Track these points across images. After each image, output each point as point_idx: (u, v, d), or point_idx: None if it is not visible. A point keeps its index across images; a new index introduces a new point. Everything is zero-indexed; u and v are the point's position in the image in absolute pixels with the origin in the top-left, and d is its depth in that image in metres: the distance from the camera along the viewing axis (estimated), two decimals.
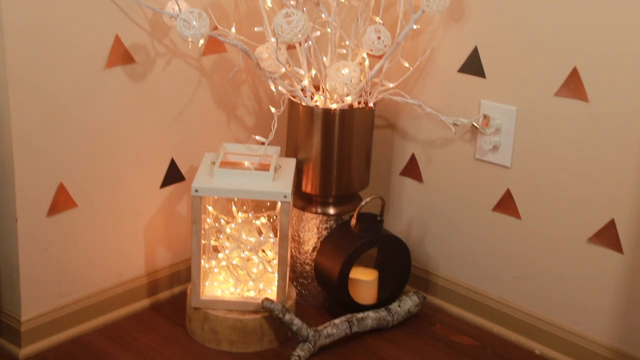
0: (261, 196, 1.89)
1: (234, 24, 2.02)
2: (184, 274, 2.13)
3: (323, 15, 1.94)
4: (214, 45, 2.02)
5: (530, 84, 1.88)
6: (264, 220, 2.01)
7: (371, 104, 2.01)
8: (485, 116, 1.96)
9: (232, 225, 2.00)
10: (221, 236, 2.00)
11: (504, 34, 1.90)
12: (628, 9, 1.69)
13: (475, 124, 1.98)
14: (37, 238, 1.81)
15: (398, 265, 2.08)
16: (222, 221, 2.01)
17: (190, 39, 1.77)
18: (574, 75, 1.79)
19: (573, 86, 1.80)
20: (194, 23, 1.75)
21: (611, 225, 1.80)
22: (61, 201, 1.83)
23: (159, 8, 1.86)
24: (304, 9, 1.91)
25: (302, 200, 2.09)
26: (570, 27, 1.78)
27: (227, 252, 1.99)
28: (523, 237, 1.97)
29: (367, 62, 1.98)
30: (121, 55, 1.86)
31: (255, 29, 2.00)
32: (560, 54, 1.81)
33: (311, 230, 2.06)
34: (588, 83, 1.78)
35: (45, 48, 1.72)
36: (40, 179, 1.79)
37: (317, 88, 2.03)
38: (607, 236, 1.81)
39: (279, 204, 1.89)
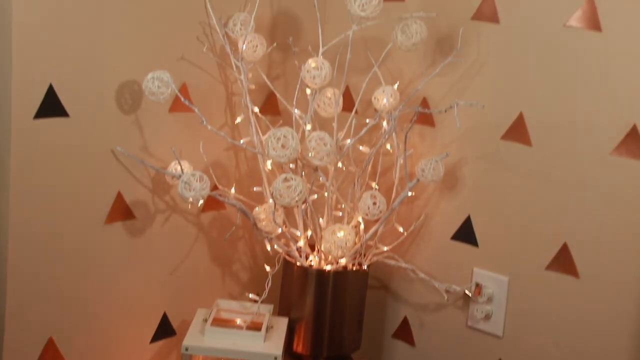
0: (252, 357, 1.88)
1: (234, 184, 2.07)
2: None
3: (321, 179, 2.00)
4: (213, 202, 2.07)
5: (521, 256, 1.91)
6: None
7: (365, 267, 2.03)
8: (477, 284, 1.98)
9: None
10: None
11: (497, 206, 1.95)
12: (617, 195, 1.75)
13: (467, 292, 2.00)
14: None
15: None
16: None
17: (190, 200, 1.81)
18: (565, 251, 1.83)
19: (564, 261, 1.83)
20: (195, 185, 1.80)
21: None
22: (49, 356, 1.82)
23: (162, 167, 1.91)
24: (303, 173, 1.97)
25: (293, 359, 2.07)
26: (560, 205, 1.84)
27: None
28: None
29: (362, 226, 2.02)
30: (122, 212, 1.90)
31: (255, 189, 2.05)
32: (550, 230, 1.85)
33: None
34: (579, 259, 1.81)
35: (47, 203, 1.76)
36: (30, 333, 1.78)
37: (312, 247, 2.06)
38: None
39: None
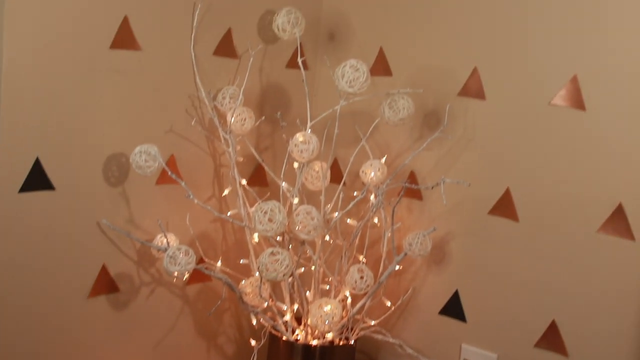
0: None
1: (221, 256, 2.06)
2: None
3: (308, 252, 1.98)
4: (199, 275, 2.04)
5: (510, 333, 1.89)
6: None
7: (352, 342, 2.00)
8: None
9: None
10: None
11: (485, 281, 1.94)
12: (605, 272, 1.75)
13: None
14: None
15: None
16: None
17: (176, 274, 1.80)
18: (553, 328, 1.81)
19: (552, 339, 1.82)
20: (181, 259, 1.79)
21: None
22: None
23: (149, 239, 1.90)
24: (290, 246, 1.96)
25: None
26: (548, 281, 1.83)
27: None
28: None
29: (349, 300, 2.00)
30: (106, 285, 1.88)
31: (241, 261, 2.03)
32: (539, 306, 1.85)
33: None
34: (567, 337, 1.80)
35: (30, 276, 1.74)
36: None
37: (298, 320, 2.03)
38: None
39: None
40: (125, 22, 1.78)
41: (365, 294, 1.98)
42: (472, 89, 1.91)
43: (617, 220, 1.71)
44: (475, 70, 1.90)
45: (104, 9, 1.74)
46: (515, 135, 1.86)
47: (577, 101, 1.74)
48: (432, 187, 1.82)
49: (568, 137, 1.77)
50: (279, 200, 1.86)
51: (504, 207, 1.89)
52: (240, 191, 1.97)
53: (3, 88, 1.63)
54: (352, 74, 1.79)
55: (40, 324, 1.77)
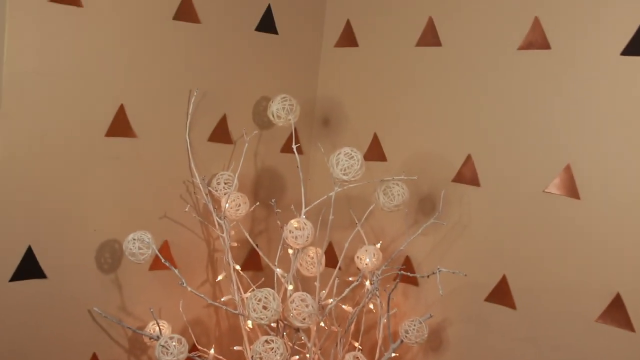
0: None
1: (214, 343, 2.03)
2: None
3: (303, 339, 1.95)
4: None
5: None
6: None
7: None
8: None
9: None
10: None
11: None
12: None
13: None
14: None
15: None
16: None
17: None
18: None
19: None
20: (173, 349, 1.75)
21: None
22: None
23: (141, 326, 1.87)
24: (284, 333, 1.93)
25: None
26: None
27: None
28: None
29: None
30: None
31: (235, 348, 2.00)
32: None
33: None
34: None
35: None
36: None
37: None
38: None
39: None
40: (121, 110, 1.80)
41: None
42: (467, 176, 1.92)
43: (616, 311, 1.69)
44: (469, 157, 1.91)
45: (100, 97, 1.76)
46: (510, 222, 1.85)
47: (571, 190, 1.74)
48: (428, 276, 1.81)
49: (563, 225, 1.76)
50: (273, 286, 1.85)
51: (501, 294, 1.87)
52: (234, 276, 1.95)
53: None
54: (346, 161, 1.80)
55: None
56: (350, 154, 1.80)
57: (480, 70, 1.88)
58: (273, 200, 1.95)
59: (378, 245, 1.97)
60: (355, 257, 1.95)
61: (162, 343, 1.76)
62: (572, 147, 1.74)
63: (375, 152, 2.08)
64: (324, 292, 1.97)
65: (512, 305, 1.85)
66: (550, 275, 1.79)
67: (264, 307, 1.76)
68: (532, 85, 1.80)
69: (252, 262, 2.12)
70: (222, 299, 1.99)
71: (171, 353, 1.75)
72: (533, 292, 1.82)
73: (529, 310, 1.83)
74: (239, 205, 1.95)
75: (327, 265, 2.03)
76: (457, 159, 1.93)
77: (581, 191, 1.73)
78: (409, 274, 1.84)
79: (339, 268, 2.00)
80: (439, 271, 1.73)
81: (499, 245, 1.87)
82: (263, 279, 2.08)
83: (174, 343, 1.76)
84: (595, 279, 1.72)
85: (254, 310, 1.76)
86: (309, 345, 1.95)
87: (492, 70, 1.86)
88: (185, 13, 1.88)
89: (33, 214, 1.69)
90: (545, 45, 1.76)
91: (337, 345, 1.97)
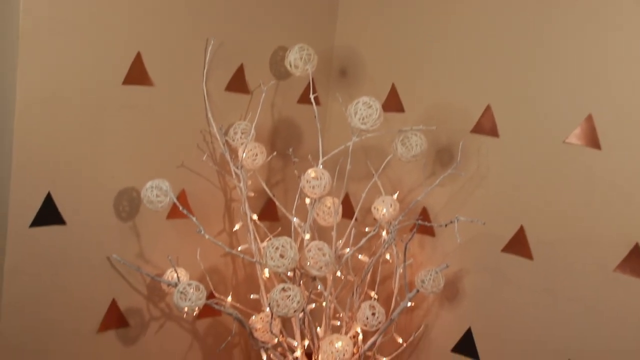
0: None
1: (231, 291, 2.04)
2: None
3: (319, 288, 1.97)
4: (209, 309, 2.03)
5: None
6: None
7: None
8: None
9: None
10: None
11: (498, 318, 1.92)
12: (620, 312, 1.72)
13: None
14: None
15: None
16: None
17: (186, 310, 1.78)
18: None
19: None
20: (191, 295, 1.77)
21: None
22: None
23: (159, 274, 1.89)
24: (301, 282, 1.94)
25: None
26: (563, 320, 1.81)
27: None
28: None
29: (360, 336, 1.98)
30: (116, 319, 1.87)
31: (252, 296, 2.02)
32: (553, 346, 1.82)
33: None
34: None
35: (39, 311, 1.73)
36: None
37: (309, 357, 2.00)
38: None
39: None
40: (138, 58, 1.79)
41: (376, 330, 1.95)
42: (486, 127, 1.90)
43: (635, 260, 1.68)
44: (488, 108, 1.89)
45: (117, 45, 1.75)
46: (529, 173, 1.84)
47: (592, 140, 1.72)
48: (446, 225, 1.81)
49: (583, 175, 1.75)
50: (290, 236, 1.85)
51: (518, 245, 1.87)
52: (251, 226, 1.96)
53: (16, 124, 1.63)
54: (365, 111, 1.79)
55: (50, 357, 1.75)
56: (369, 103, 1.79)
57: (500, 19, 1.85)
58: (290, 150, 1.95)
59: (395, 196, 1.97)
60: (372, 208, 1.95)
61: (181, 289, 1.78)
62: (594, 96, 1.73)
63: (393, 103, 2.06)
64: (341, 242, 1.97)
65: (529, 256, 1.86)
66: (568, 225, 1.79)
67: (281, 256, 1.77)
68: (554, 33, 1.77)
69: (268, 213, 2.13)
70: (239, 248, 2.00)
71: (189, 299, 1.77)
72: (550, 243, 1.82)
73: (546, 260, 1.83)
74: (256, 155, 1.95)
75: (343, 216, 2.03)
76: (476, 110, 1.91)
77: (602, 141, 1.72)
78: (426, 223, 1.84)
79: (355, 219, 2.01)
80: (457, 220, 1.73)
81: (517, 196, 1.87)
82: (280, 228, 2.09)
83: (192, 290, 1.78)
84: (614, 229, 1.72)
85: (271, 258, 1.77)
86: (326, 294, 1.96)
87: (513, 18, 1.83)
88: None
89: (52, 161, 1.70)
90: None
91: (353, 294, 1.98)
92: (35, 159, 1.67)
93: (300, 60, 1.88)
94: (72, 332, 1.79)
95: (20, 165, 1.65)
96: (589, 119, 1.73)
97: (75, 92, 1.70)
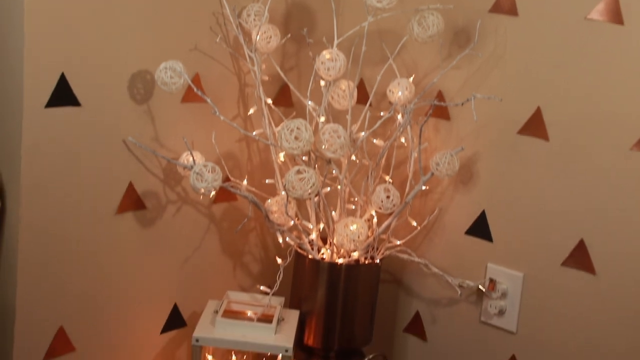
0: (262, 349, 1.87)
1: (246, 175, 2.06)
2: None
3: (334, 172, 1.98)
4: (225, 194, 2.05)
5: (537, 252, 1.89)
6: None
7: (377, 261, 2.01)
8: (491, 280, 1.96)
9: None
10: None
11: (513, 201, 1.93)
12: (637, 191, 1.72)
13: (481, 287, 1.98)
14: None
15: None
16: None
17: (202, 191, 1.80)
18: (581, 247, 1.80)
19: (580, 258, 1.81)
20: (207, 176, 1.78)
21: None
22: (59, 345, 1.81)
23: (174, 158, 1.90)
24: (316, 165, 1.95)
25: (304, 352, 2.05)
26: (578, 201, 1.81)
27: None
28: None
29: (375, 219, 2.00)
30: (133, 202, 1.89)
31: (267, 181, 2.03)
32: (567, 226, 1.83)
33: None
34: (595, 256, 1.79)
35: (57, 193, 1.75)
36: (41, 322, 1.78)
37: (324, 240, 2.04)
38: None
39: (280, 356, 1.86)
40: None
41: (391, 213, 1.97)
42: (504, 5, 1.86)
43: None
44: None
45: None
46: (548, 52, 1.81)
47: (616, 15, 1.68)
48: (462, 104, 1.79)
49: (604, 53, 1.72)
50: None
51: (534, 126, 1.86)
52: (265, 110, 1.96)
53: (27, 4, 1.61)
54: None
55: (68, 239, 1.79)
56: None
57: None
58: (305, 30, 1.92)
59: (410, 79, 1.95)
60: (387, 91, 1.94)
61: (197, 170, 1.79)
62: None
63: None
64: (355, 127, 1.97)
65: (545, 137, 1.85)
66: (586, 104, 1.77)
67: (296, 138, 1.77)
68: None
69: (283, 98, 2.12)
70: (254, 133, 2.00)
71: (205, 180, 1.79)
72: (567, 123, 1.81)
73: (563, 140, 1.83)
74: (270, 37, 1.92)
75: (357, 102, 2.02)
76: None
77: (625, 16, 1.67)
78: (442, 103, 1.82)
79: (370, 104, 2.00)
80: (474, 97, 1.71)
81: (535, 76, 1.84)
82: (294, 113, 2.08)
83: (207, 171, 1.79)
84: (632, 107, 1.70)
85: (286, 140, 1.77)
86: (341, 177, 1.97)
87: None
88: None
89: (65, 42, 1.68)
90: None
91: (367, 178, 2.00)
92: (48, 39, 1.65)
93: None
94: (91, 214, 1.82)
95: (33, 45, 1.63)
96: None
97: None
